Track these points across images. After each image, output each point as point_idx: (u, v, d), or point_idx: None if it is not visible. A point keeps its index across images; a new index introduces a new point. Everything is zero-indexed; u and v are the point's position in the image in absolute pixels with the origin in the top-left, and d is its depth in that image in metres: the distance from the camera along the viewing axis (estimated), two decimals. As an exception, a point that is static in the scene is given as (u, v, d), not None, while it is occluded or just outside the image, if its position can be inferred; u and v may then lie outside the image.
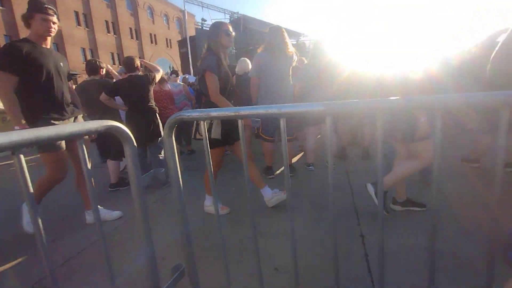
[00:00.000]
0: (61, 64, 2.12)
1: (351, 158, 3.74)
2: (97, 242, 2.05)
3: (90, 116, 3.35)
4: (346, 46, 3.39)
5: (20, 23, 19.11)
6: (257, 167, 2.80)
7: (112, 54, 27.16)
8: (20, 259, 1.90)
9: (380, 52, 3.30)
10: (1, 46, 1.93)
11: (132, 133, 0.97)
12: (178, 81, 4.94)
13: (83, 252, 1.95)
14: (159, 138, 3.18)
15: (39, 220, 0.69)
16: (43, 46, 2.01)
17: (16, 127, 1.81)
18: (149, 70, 3.29)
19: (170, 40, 34.53)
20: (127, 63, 3.10)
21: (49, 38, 2.03)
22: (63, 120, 2.10)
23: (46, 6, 1.94)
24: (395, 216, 2.11)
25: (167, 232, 1.96)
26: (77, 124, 0.77)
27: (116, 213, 2.44)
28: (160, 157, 3.20)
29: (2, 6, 18.60)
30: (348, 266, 1.56)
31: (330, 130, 0.88)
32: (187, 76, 8.20)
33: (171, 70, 5.70)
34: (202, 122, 0.99)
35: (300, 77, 3.27)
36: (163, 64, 29.03)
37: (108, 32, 26.79)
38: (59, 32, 21.44)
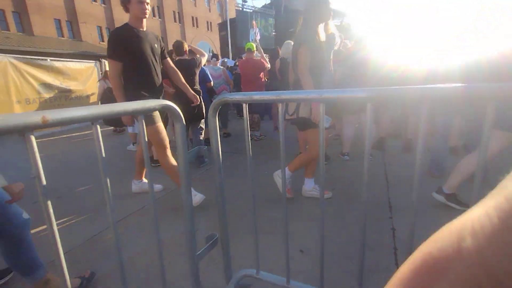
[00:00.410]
0: (155, 45, 2.31)
1: (391, 150, 3.58)
2: (139, 210, 2.31)
3: None
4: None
5: (116, 17, 21.19)
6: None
7: (157, 36, 28.42)
8: (86, 215, 2.23)
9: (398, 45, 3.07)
10: (109, 35, 2.19)
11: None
12: (218, 65, 5.07)
13: (128, 217, 2.21)
14: (201, 119, 3.37)
15: (108, 181, 0.83)
16: (140, 29, 2.20)
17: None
18: (195, 54, 3.44)
19: (210, 23, 34.90)
20: (177, 47, 3.28)
21: (144, 20, 2.20)
22: (155, 94, 2.31)
23: None
24: (433, 211, 2.02)
25: (198, 208, 2.14)
26: (140, 102, 0.88)
27: (158, 186, 2.69)
28: (200, 137, 3.40)
29: (104, 4, 20.97)
30: (375, 257, 1.56)
31: (370, 118, 0.88)
32: (225, 60, 8.32)
33: (212, 54, 5.83)
34: (244, 105, 1.06)
35: (343, 63, 3.15)
36: (203, 47, 29.53)
37: (154, 16, 27.92)
38: (110, 17, 22.94)
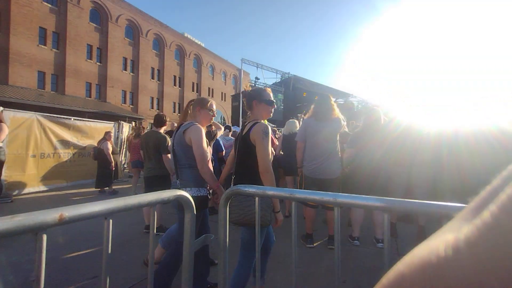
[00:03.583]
0: None
1: (404, 236, 3.36)
2: None
3: (146, 160, 3.60)
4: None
5: (141, 84, 24.43)
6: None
7: (174, 103, 30.87)
8: None
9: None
10: None
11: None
12: (229, 136, 5.34)
13: None
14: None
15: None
16: None
17: None
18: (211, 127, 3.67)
19: (225, 94, 38.28)
20: None
21: None
22: None
23: None
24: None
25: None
26: (155, 194, 0.89)
27: None
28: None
29: (132, 73, 24.39)
30: None
31: (387, 230, 0.85)
32: (235, 130, 8.77)
33: (225, 124, 6.24)
34: (257, 198, 1.05)
35: (352, 141, 3.21)
36: (215, 114, 31.69)
37: (175, 85, 31.00)
38: (136, 83, 25.52)
